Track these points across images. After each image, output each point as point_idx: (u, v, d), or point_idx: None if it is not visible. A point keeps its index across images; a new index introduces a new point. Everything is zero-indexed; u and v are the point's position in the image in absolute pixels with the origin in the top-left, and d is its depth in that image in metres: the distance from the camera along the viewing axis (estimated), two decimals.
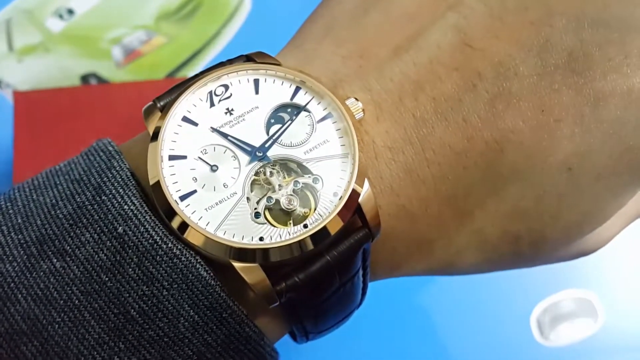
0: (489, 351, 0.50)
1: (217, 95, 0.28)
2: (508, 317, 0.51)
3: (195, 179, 0.26)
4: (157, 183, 0.26)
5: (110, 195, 0.26)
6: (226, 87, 0.28)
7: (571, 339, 0.51)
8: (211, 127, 0.27)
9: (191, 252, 0.25)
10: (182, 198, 0.26)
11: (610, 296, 0.52)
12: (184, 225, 0.25)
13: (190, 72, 0.58)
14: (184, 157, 0.26)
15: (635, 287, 0.53)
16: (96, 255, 0.25)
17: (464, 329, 0.50)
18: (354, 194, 0.26)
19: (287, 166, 0.27)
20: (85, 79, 0.57)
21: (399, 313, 0.51)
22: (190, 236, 0.25)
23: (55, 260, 0.25)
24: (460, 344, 0.50)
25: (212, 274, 0.25)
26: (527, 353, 0.50)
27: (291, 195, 0.26)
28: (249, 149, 0.27)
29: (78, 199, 0.26)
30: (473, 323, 0.51)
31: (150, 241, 0.25)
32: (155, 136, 0.27)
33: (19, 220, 0.26)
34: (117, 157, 0.27)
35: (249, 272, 0.25)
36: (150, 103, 0.28)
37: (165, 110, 0.27)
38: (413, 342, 0.50)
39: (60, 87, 0.55)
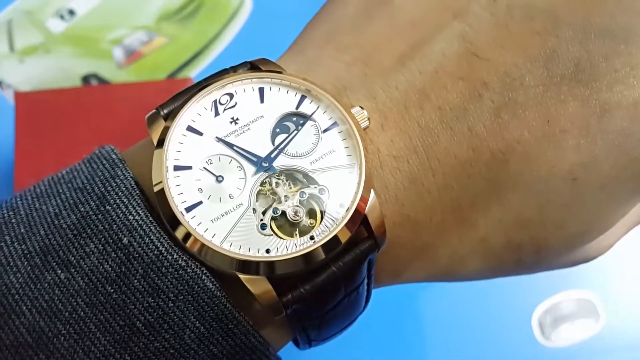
0: (490, 352, 0.50)
1: (221, 104, 0.28)
2: (509, 318, 0.51)
3: (201, 189, 0.26)
4: (162, 191, 0.26)
5: (114, 205, 0.25)
6: (231, 95, 0.28)
7: (572, 340, 0.51)
8: (216, 137, 0.27)
9: (197, 263, 0.25)
10: (188, 209, 0.25)
11: (611, 297, 0.52)
12: (188, 236, 0.25)
13: (191, 72, 0.58)
14: (189, 168, 0.26)
15: (636, 288, 0.53)
16: (101, 267, 0.25)
17: (466, 330, 0.50)
18: (361, 205, 0.26)
19: (293, 176, 0.27)
20: (86, 79, 0.57)
21: (400, 314, 0.51)
22: (195, 247, 0.25)
23: (59, 271, 0.25)
24: (462, 345, 0.50)
25: (218, 285, 0.25)
26: (528, 354, 0.50)
27: (297, 206, 0.26)
28: (255, 159, 0.27)
29: (82, 209, 0.26)
30: (475, 324, 0.51)
31: (155, 252, 0.25)
32: (160, 144, 0.27)
33: (22, 230, 0.26)
34: (121, 165, 0.26)
35: (255, 284, 0.25)
36: (154, 111, 0.28)
37: (169, 118, 0.27)
38: (414, 343, 0.50)
39: (61, 87, 0.55)
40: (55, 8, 0.59)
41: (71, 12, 0.59)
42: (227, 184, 0.26)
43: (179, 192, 0.26)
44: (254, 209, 0.26)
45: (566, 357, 0.50)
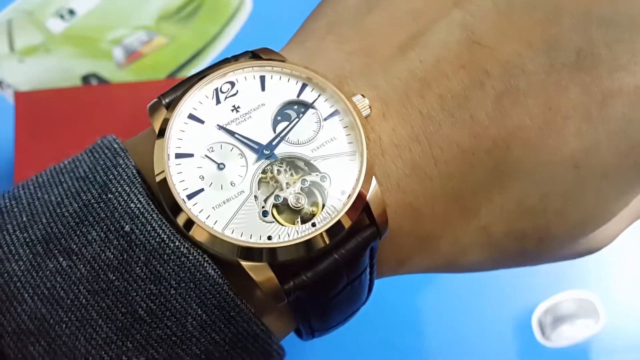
0: (490, 352, 0.50)
1: (223, 92, 0.28)
2: (509, 317, 0.51)
3: (202, 177, 0.26)
4: (164, 180, 0.26)
5: (116, 193, 0.25)
6: (232, 84, 0.28)
7: (572, 340, 0.51)
8: (218, 125, 0.27)
9: (199, 250, 0.25)
10: (190, 197, 0.25)
11: (611, 297, 0.52)
12: (190, 223, 0.25)
13: (191, 72, 0.58)
14: (191, 155, 0.26)
15: (636, 288, 0.53)
16: (103, 254, 0.25)
17: (466, 329, 0.50)
18: (362, 192, 0.26)
19: (295, 164, 0.27)
20: (86, 79, 0.57)
21: (401, 312, 0.50)
22: (197, 235, 0.25)
23: (61, 259, 0.25)
24: (462, 344, 0.50)
25: (219, 273, 0.25)
26: (528, 353, 0.50)
27: (299, 193, 0.26)
28: (256, 146, 0.27)
29: (84, 197, 0.26)
30: (474, 323, 0.50)
31: (157, 239, 0.25)
32: (161, 133, 0.27)
33: (24, 219, 0.26)
34: (123, 154, 0.27)
35: (257, 271, 0.25)
36: (156, 100, 0.28)
37: (170, 107, 0.27)
38: (414, 341, 0.50)
39: (61, 87, 0.55)
40: (55, 8, 0.59)
41: (71, 12, 0.59)
42: (228, 171, 0.26)
43: (181, 179, 0.26)
44: (255, 196, 0.26)
45: (566, 357, 0.50)
